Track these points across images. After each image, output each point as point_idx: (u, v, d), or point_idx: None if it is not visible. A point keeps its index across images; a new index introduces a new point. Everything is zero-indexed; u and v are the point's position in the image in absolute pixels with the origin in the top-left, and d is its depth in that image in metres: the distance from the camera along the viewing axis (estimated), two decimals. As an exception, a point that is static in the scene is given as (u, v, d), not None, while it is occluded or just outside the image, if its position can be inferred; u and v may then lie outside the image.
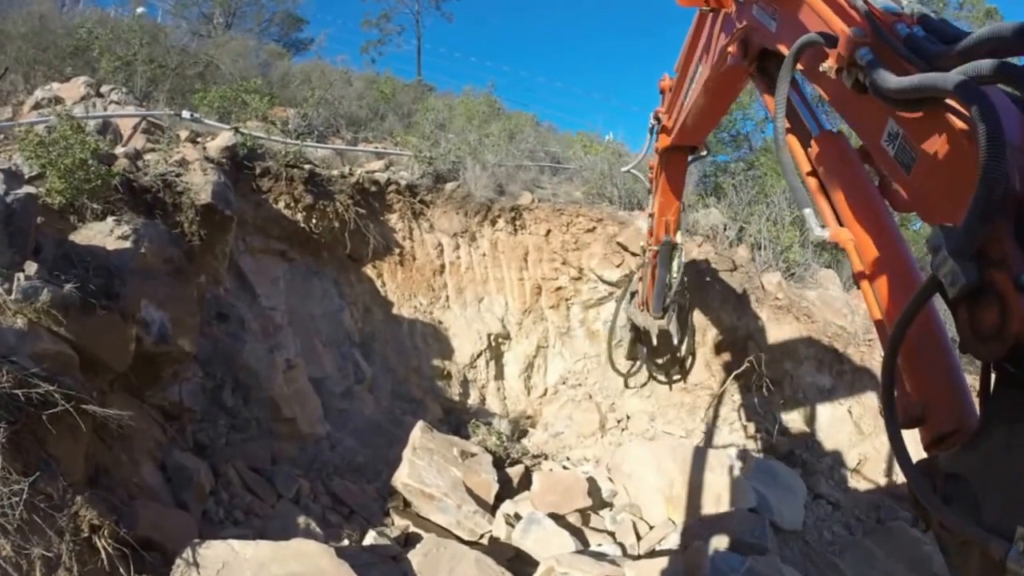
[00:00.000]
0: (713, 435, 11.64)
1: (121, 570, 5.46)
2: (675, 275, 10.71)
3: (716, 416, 11.94)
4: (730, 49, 5.58)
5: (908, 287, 3.20)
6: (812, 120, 4.44)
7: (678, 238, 10.43)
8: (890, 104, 2.96)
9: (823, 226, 3.90)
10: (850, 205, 3.76)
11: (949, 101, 2.60)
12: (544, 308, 14.67)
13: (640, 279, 11.74)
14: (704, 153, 10.11)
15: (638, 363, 13.03)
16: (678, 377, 12.88)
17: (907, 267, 3.39)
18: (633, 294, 12.20)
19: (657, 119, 9.41)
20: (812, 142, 4.24)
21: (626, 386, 13.23)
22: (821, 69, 3.40)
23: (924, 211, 2.97)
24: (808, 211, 4.01)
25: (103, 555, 5.39)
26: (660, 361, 12.59)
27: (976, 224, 2.16)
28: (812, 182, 4.16)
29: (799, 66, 3.95)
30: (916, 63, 2.87)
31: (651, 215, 10.58)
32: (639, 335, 12.22)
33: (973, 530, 2.13)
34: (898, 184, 3.18)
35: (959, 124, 2.58)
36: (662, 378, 12.90)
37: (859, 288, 3.67)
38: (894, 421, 2.72)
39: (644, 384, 12.95)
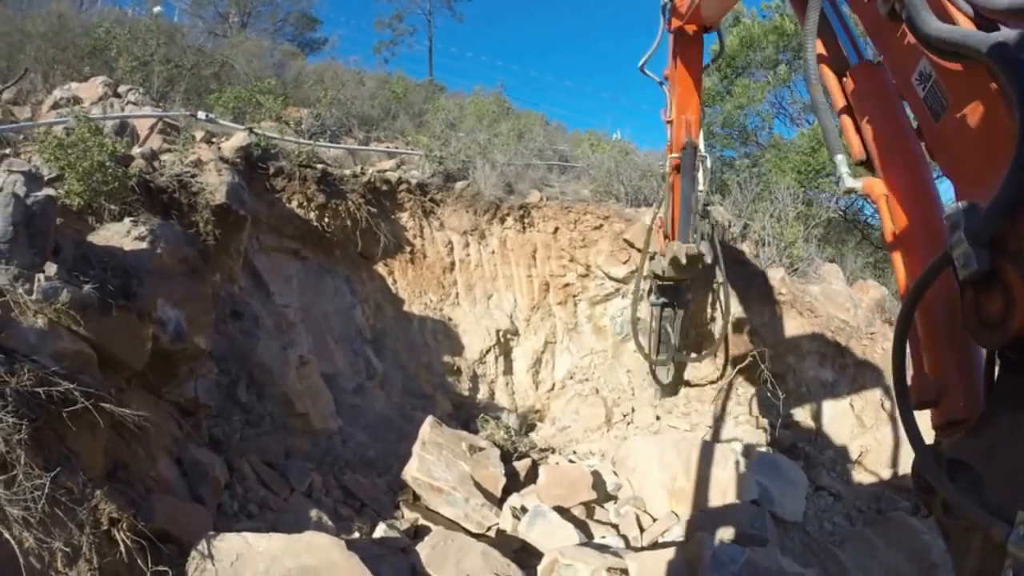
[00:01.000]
0: (717, 429, 11.69)
1: (139, 561, 5.51)
2: (701, 187, 10.05)
3: (720, 410, 11.99)
4: None
5: (938, 251, 2.92)
6: (852, 48, 4.09)
7: (700, 142, 9.77)
8: (927, 47, 2.79)
9: (856, 176, 3.70)
10: (885, 152, 3.53)
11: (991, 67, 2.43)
12: (552, 304, 14.77)
13: (660, 218, 11.13)
14: (719, 50, 9.49)
15: (664, 352, 12.32)
16: (707, 352, 12.41)
17: (939, 230, 2.99)
18: (653, 256, 11.56)
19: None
20: (847, 74, 3.96)
21: (655, 379, 12.79)
22: None
23: (946, 167, 2.86)
24: (840, 157, 3.81)
25: (122, 547, 5.46)
26: (686, 341, 12.09)
27: (998, 214, 2.17)
28: (845, 120, 3.88)
29: None
30: (961, 7, 2.70)
31: (669, 122, 9.92)
32: (664, 315, 11.69)
33: (976, 512, 2.16)
34: (923, 128, 3.03)
35: (999, 95, 2.44)
36: (693, 354, 12.42)
37: (887, 249, 3.46)
38: (905, 398, 2.71)
39: (667, 383, 12.75)
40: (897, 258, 3.32)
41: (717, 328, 12.55)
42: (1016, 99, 2.21)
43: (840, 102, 3.95)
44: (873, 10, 3.19)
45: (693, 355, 12.63)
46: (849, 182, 3.71)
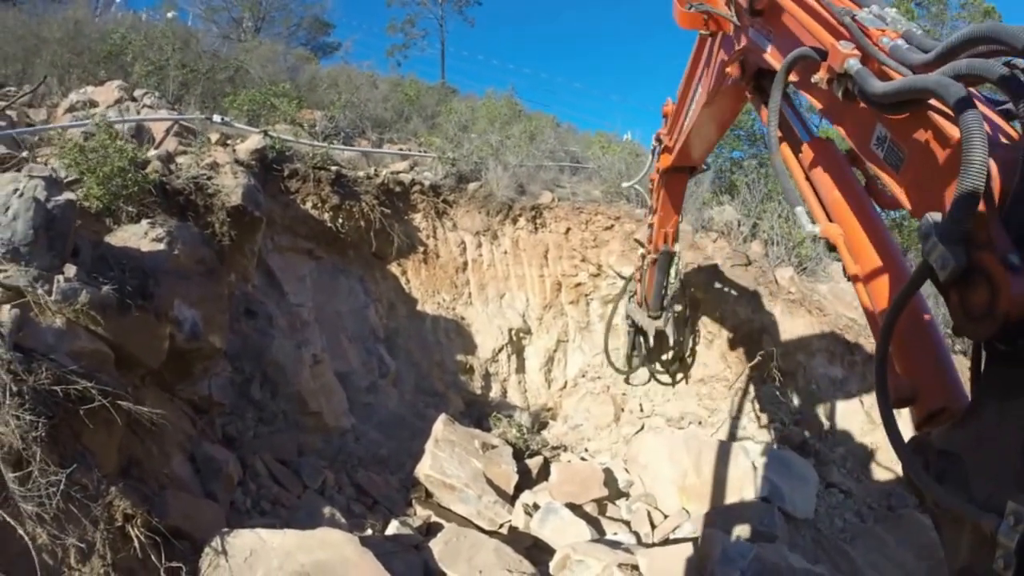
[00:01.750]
0: (728, 426, 11.71)
1: (152, 558, 5.56)
2: (672, 280, 10.87)
3: (731, 408, 12.00)
4: (729, 69, 5.73)
5: (896, 277, 3.38)
6: (802, 128, 4.66)
7: (676, 247, 10.52)
8: (877, 108, 3.11)
9: (814, 222, 4.09)
10: (839, 203, 3.93)
11: (932, 101, 2.74)
12: (564, 304, 14.82)
13: (639, 280, 11.77)
14: (705, 168, 10.17)
15: (637, 362, 12.81)
16: (680, 377, 12.78)
17: (895, 259, 3.51)
18: (632, 295, 12.18)
19: (659, 140, 9.45)
20: (803, 147, 4.44)
21: (627, 382, 13.14)
22: (813, 80, 3.56)
23: (915, 206, 3.04)
24: (800, 209, 4.18)
25: (135, 543, 5.52)
26: (663, 358, 12.60)
27: (963, 209, 2.25)
28: (804, 185, 4.34)
29: (792, 78, 4.14)
30: (900, 71, 3.02)
31: (650, 225, 10.64)
32: (638, 332, 12.33)
33: (964, 506, 2.19)
34: (889, 183, 3.28)
35: (941, 121, 2.73)
36: (664, 378, 12.92)
37: (849, 280, 3.78)
38: (887, 402, 2.80)
39: (646, 383, 12.98)
40: (861, 287, 3.64)
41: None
42: (951, 105, 2.45)
43: (798, 171, 4.45)
44: (829, 94, 3.54)
45: (664, 378, 12.69)
46: (809, 227, 4.09)
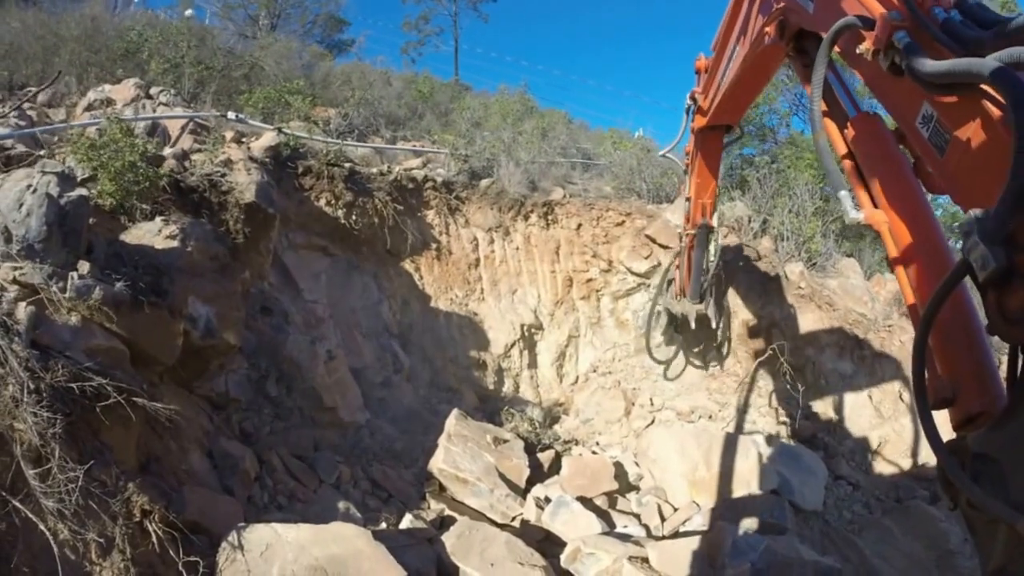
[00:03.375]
0: (738, 420, 11.73)
1: (171, 552, 5.60)
2: (712, 258, 10.87)
3: (741, 402, 12.03)
4: (767, 30, 5.61)
5: (941, 270, 3.24)
6: (849, 102, 4.47)
7: (714, 221, 10.52)
8: (926, 87, 3.01)
9: (858, 208, 3.94)
10: (885, 187, 3.80)
11: (985, 87, 2.64)
12: (575, 299, 14.88)
13: (677, 267, 11.85)
14: (739, 134, 10.05)
15: (675, 351, 13.17)
16: (716, 364, 12.95)
17: (940, 250, 3.43)
18: (670, 283, 12.34)
19: (693, 99, 9.40)
20: (848, 124, 4.28)
21: (665, 377, 13.30)
22: (858, 51, 3.45)
23: (956, 194, 3.00)
24: (844, 193, 4.04)
25: (154, 538, 5.57)
26: (696, 348, 12.64)
27: (1007, 211, 2.22)
28: (848, 164, 4.20)
29: (836, 48, 3.99)
30: (952, 48, 2.93)
31: (688, 199, 10.61)
32: (676, 324, 12.36)
33: (1000, 507, 2.17)
34: (931, 166, 3.22)
35: (994, 110, 2.63)
36: (699, 363, 12.97)
37: (892, 271, 3.72)
38: (925, 402, 2.76)
39: (680, 373, 13.04)
40: (902, 276, 3.53)
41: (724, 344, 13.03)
42: (1008, 100, 2.36)
43: (842, 149, 4.27)
44: (875, 67, 3.41)
45: (698, 363, 13.08)
46: (852, 214, 3.91)
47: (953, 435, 2.88)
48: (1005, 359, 2.54)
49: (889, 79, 3.37)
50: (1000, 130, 2.59)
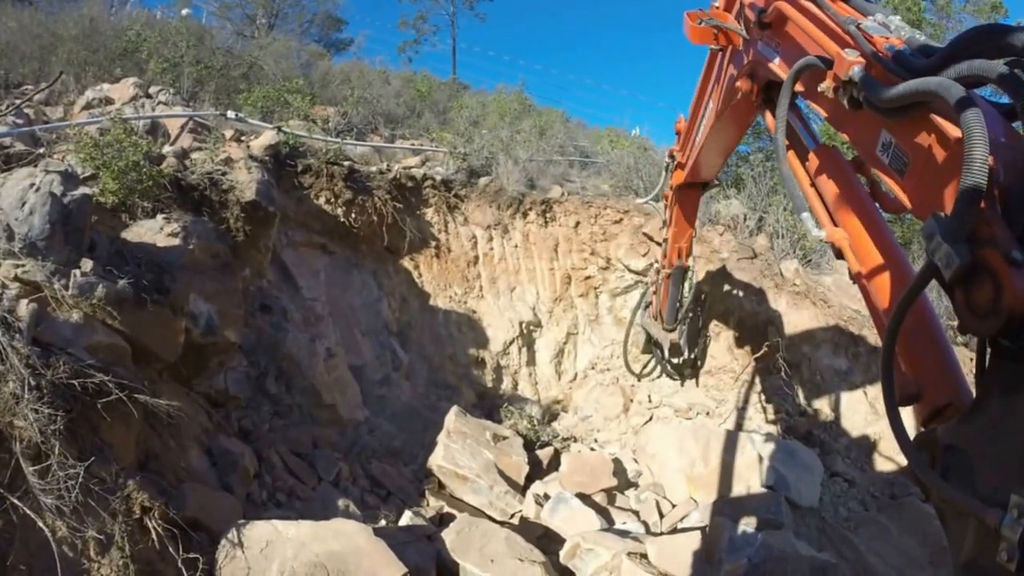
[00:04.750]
0: (735, 417, 11.74)
1: (170, 549, 5.63)
2: (687, 295, 11.24)
3: (738, 399, 12.04)
4: (739, 83, 5.83)
5: (901, 279, 3.41)
6: (809, 136, 4.72)
7: (690, 262, 10.91)
8: (882, 114, 3.18)
9: (820, 227, 4.17)
10: (844, 208, 4.00)
11: (935, 104, 2.80)
12: (574, 297, 14.91)
13: (654, 293, 12.06)
14: (716, 184, 10.25)
15: (652, 363, 13.33)
16: (691, 377, 13.03)
17: (899, 261, 3.56)
18: (648, 305, 12.55)
19: (672, 157, 9.68)
20: (810, 155, 4.50)
21: (638, 379, 13.49)
22: (820, 89, 3.62)
23: (919, 209, 3.08)
24: (805, 215, 4.30)
25: (153, 535, 5.59)
26: (674, 362, 12.76)
27: (966, 208, 2.30)
28: (810, 191, 4.40)
29: (799, 87, 4.24)
30: (904, 76, 3.04)
31: (664, 240, 10.89)
32: (652, 343, 12.58)
33: (969, 500, 2.22)
34: (894, 188, 3.32)
35: (943, 123, 2.78)
36: (675, 378, 13.06)
37: (855, 282, 3.83)
38: (893, 399, 2.81)
39: (657, 377, 13.18)
40: (866, 289, 3.71)
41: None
42: (952, 104, 2.49)
43: (804, 178, 4.51)
44: (835, 103, 3.59)
45: (675, 378, 13.09)
46: (815, 232, 4.19)
47: (921, 432, 2.95)
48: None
49: (849, 113, 3.54)
50: (951, 140, 2.74)
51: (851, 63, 3.35)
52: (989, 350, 2.48)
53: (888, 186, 3.45)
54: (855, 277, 3.81)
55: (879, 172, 3.50)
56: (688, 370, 12.83)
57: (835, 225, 4.07)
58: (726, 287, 12.70)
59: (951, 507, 2.55)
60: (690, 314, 11.76)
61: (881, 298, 3.53)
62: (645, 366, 13.39)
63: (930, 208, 2.92)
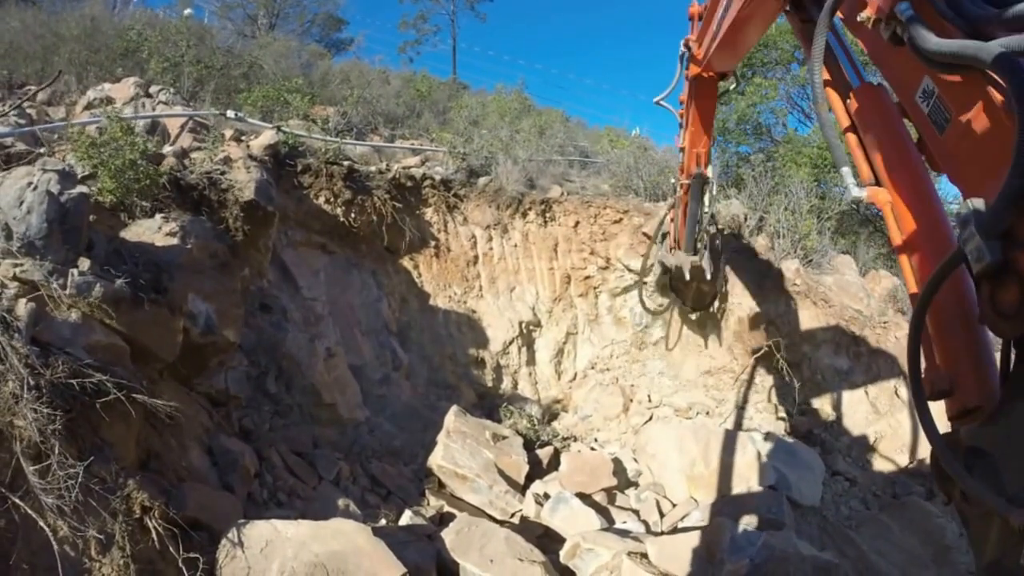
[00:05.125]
0: (735, 416, 11.77)
1: (171, 549, 5.61)
2: (707, 209, 10.93)
3: (738, 398, 12.06)
4: None
5: (942, 254, 2.99)
6: (853, 72, 4.26)
7: (709, 171, 10.41)
8: (927, 64, 2.86)
9: (860, 185, 3.80)
10: (888, 164, 3.64)
11: (989, 72, 2.51)
12: (573, 296, 14.91)
13: (671, 220, 11.91)
14: (733, 84, 9.93)
15: (668, 304, 13.49)
16: (711, 304, 13.05)
17: (943, 233, 3.31)
18: (664, 236, 12.43)
19: (687, 47, 9.22)
20: (851, 95, 4.06)
21: (652, 316, 13.69)
22: (859, 19, 3.29)
23: (953, 174, 2.91)
24: (846, 169, 3.93)
25: (154, 535, 5.57)
26: (690, 313, 12.80)
27: (1005, 206, 2.16)
28: (851, 138, 4.02)
29: (838, 13, 3.82)
30: (957, 24, 2.78)
31: (681, 149, 10.56)
32: (670, 273, 12.50)
33: (995, 499, 2.16)
34: (929, 143, 3.12)
35: (998, 96, 2.52)
36: (694, 311, 13.17)
37: (894, 252, 3.58)
38: (921, 393, 2.75)
39: (677, 342, 13.27)
40: (904, 260, 3.43)
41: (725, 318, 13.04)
42: (1013, 94, 2.26)
43: (845, 121, 4.09)
44: (876, 36, 3.27)
45: (690, 310, 13.24)
46: (855, 191, 3.80)
47: (948, 426, 2.86)
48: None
49: (890, 49, 3.21)
50: (1003, 117, 2.50)
51: None
52: (1015, 351, 2.40)
53: (923, 137, 3.20)
54: (894, 246, 3.56)
55: (915, 120, 3.24)
56: (709, 298, 12.78)
57: (878, 183, 3.74)
58: (726, 287, 12.69)
59: (974, 508, 2.51)
60: (710, 230, 11.48)
61: (919, 274, 3.30)
62: (662, 306, 13.54)
63: (966, 177, 2.81)
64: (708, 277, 11.76)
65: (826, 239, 13.59)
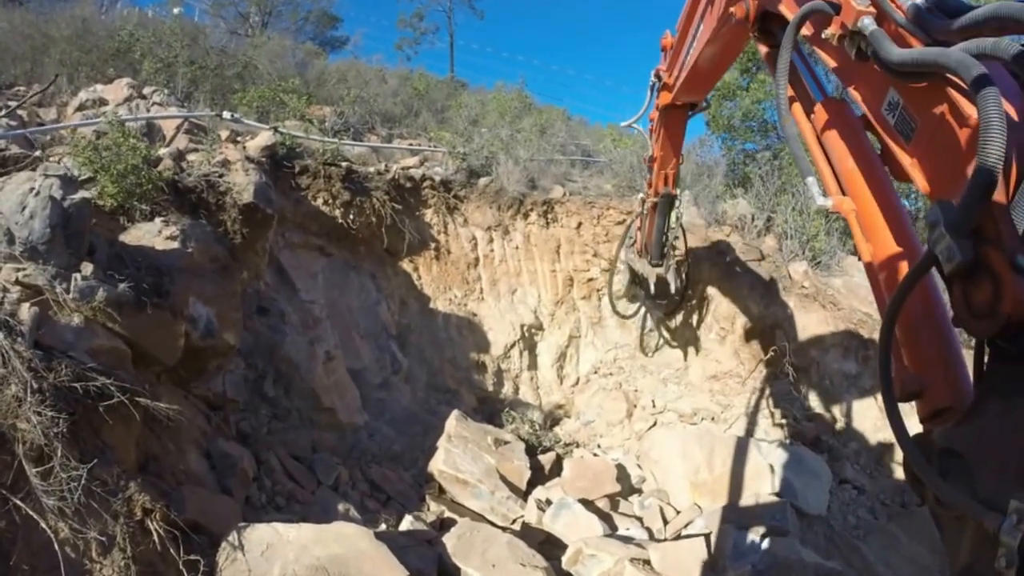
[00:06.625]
0: (741, 422, 11.67)
1: (171, 551, 5.60)
2: (673, 225, 11.10)
3: (744, 404, 11.98)
4: (733, 9, 5.48)
5: (909, 259, 3.27)
6: (816, 87, 4.47)
7: (676, 191, 10.69)
8: (892, 75, 3.01)
9: (826, 195, 3.95)
10: (852, 174, 3.77)
11: (951, 76, 2.62)
12: (576, 299, 14.84)
13: (639, 228, 11.97)
14: (705, 106, 10.07)
15: (637, 308, 13.60)
16: (677, 313, 13.29)
17: (908, 239, 3.42)
18: (632, 241, 12.50)
19: (658, 77, 9.37)
20: (815, 109, 4.23)
21: (621, 316, 13.82)
22: (824, 36, 3.45)
23: (921, 181, 2.99)
24: (811, 179, 4.04)
25: (155, 537, 5.56)
26: (658, 302, 12.79)
27: (973, 203, 2.22)
28: (816, 151, 4.16)
29: (805, 31, 3.95)
30: (918, 35, 2.91)
31: (649, 168, 10.74)
32: (637, 279, 12.52)
33: (967, 503, 2.17)
34: (897, 152, 3.22)
35: (959, 99, 2.65)
36: (661, 316, 13.33)
37: (860, 259, 3.69)
38: (891, 395, 2.76)
39: (657, 348, 13.44)
40: (871, 269, 3.56)
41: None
42: (975, 95, 2.33)
43: (810, 134, 4.24)
44: (841, 52, 3.44)
45: (659, 313, 13.40)
46: (820, 200, 3.94)
47: (920, 427, 2.92)
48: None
49: (855, 65, 3.39)
50: (966, 117, 2.61)
51: (860, 12, 3.19)
52: (988, 351, 2.45)
53: (892, 150, 3.32)
54: (861, 255, 3.69)
55: (883, 132, 3.37)
56: (674, 306, 12.96)
57: (843, 193, 3.88)
58: (732, 289, 12.67)
59: (948, 511, 2.52)
60: (676, 245, 11.65)
61: (887, 281, 3.41)
62: (631, 310, 13.71)
63: (934, 182, 2.89)
64: (672, 290, 11.99)
65: (835, 240, 13.52)
